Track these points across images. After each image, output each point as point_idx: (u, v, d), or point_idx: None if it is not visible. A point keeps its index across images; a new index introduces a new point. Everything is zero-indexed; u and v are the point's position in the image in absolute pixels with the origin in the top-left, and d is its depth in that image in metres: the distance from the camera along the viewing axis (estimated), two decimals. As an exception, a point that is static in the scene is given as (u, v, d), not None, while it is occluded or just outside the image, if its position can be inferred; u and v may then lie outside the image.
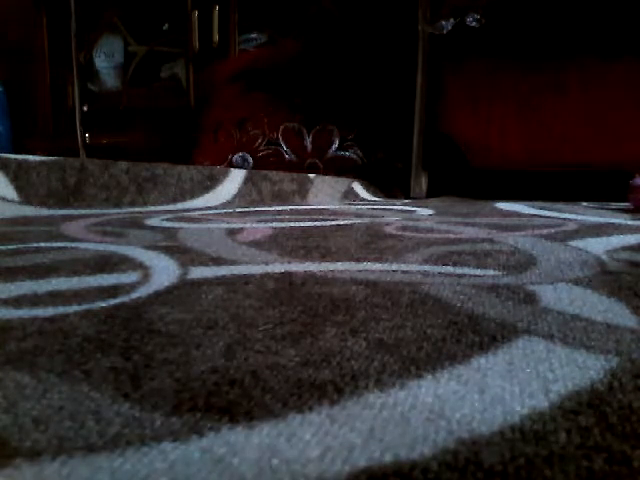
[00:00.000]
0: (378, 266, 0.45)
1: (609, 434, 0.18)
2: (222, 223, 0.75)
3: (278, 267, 0.44)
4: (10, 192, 0.93)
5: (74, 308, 0.32)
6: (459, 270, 0.44)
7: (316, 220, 0.79)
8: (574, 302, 0.34)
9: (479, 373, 0.23)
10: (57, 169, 0.99)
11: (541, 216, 0.90)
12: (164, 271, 0.42)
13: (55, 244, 0.56)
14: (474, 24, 1.32)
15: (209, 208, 1.01)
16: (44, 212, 0.90)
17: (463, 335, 0.28)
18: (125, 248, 0.52)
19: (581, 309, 0.33)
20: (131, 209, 0.97)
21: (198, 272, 0.42)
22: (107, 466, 0.16)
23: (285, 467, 0.16)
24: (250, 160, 1.58)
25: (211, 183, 1.14)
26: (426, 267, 0.45)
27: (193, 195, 1.10)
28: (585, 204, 1.17)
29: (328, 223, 0.76)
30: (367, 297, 0.35)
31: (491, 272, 0.44)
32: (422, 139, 1.47)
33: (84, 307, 0.32)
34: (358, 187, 1.45)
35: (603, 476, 0.16)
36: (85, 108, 1.98)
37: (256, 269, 0.43)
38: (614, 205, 1.13)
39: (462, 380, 0.22)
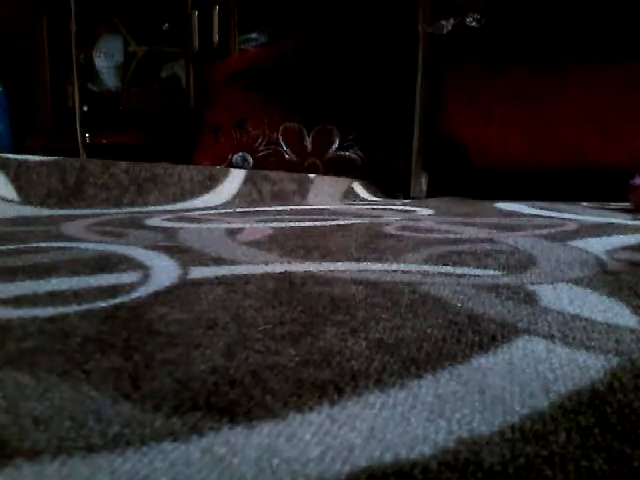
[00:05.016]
0: (378, 266, 0.45)
1: (609, 434, 0.18)
2: (222, 223, 0.75)
3: (278, 267, 0.44)
4: (10, 192, 0.93)
5: (74, 308, 0.32)
6: (459, 270, 0.44)
7: (316, 220, 0.79)
8: (574, 302, 0.34)
9: (479, 373, 0.23)
10: (57, 169, 0.99)
11: (541, 216, 0.89)
12: (164, 271, 0.42)
13: (55, 244, 0.56)
14: (474, 24, 1.32)
15: (209, 208, 1.01)
16: (44, 212, 0.90)
17: (463, 335, 0.28)
18: (125, 248, 0.52)
19: (581, 309, 0.33)
20: (131, 209, 0.97)
21: (198, 272, 0.42)
22: (107, 466, 0.16)
23: (285, 467, 0.16)
24: (250, 160, 1.58)
25: (211, 183, 1.14)
26: (426, 267, 0.45)
27: (193, 195, 1.10)
28: (585, 204, 1.17)
29: (328, 223, 0.76)
30: (367, 297, 0.35)
31: (491, 272, 0.44)
32: (422, 139, 1.47)
33: (84, 307, 0.32)
34: (358, 187, 1.45)
35: (603, 476, 0.16)
36: (85, 108, 1.98)
37: (256, 269, 0.43)
38: (614, 205, 1.13)
39: (462, 380, 0.22)
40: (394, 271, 0.43)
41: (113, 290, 0.36)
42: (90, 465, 0.16)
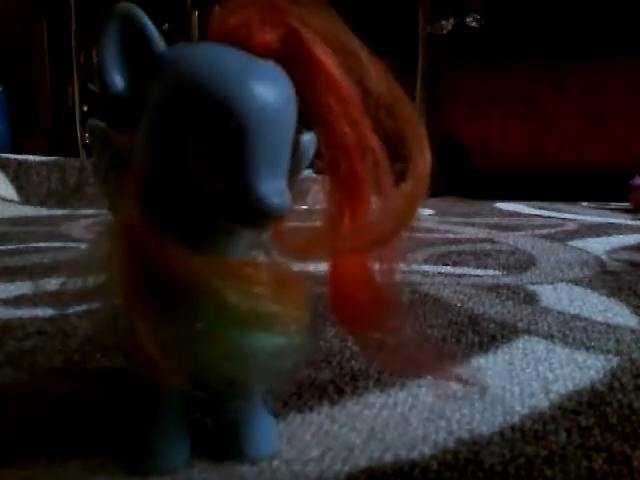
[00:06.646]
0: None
1: (609, 434, 0.18)
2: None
3: (278, 267, 0.44)
4: (10, 192, 0.93)
5: (74, 308, 0.32)
6: (459, 270, 0.44)
7: (316, 220, 0.79)
8: (574, 302, 0.34)
9: (479, 373, 0.23)
10: (57, 169, 0.99)
11: (541, 216, 0.90)
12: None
13: (55, 244, 0.56)
14: (474, 24, 1.32)
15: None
16: (44, 212, 0.90)
17: (463, 335, 0.28)
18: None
19: (581, 309, 0.33)
20: (131, 209, 0.97)
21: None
22: (104, 466, 0.16)
23: (285, 467, 0.16)
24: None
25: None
26: (426, 267, 0.45)
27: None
28: (585, 204, 1.17)
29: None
30: (367, 297, 0.35)
31: (491, 272, 0.44)
32: (422, 139, 1.47)
33: (84, 307, 0.32)
34: (358, 187, 1.44)
35: (603, 476, 0.16)
36: (85, 108, 1.98)
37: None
38: (614, 205, 1.13)
39: (462, 380, 0.22)
40: (394, 271, 0.43)
41: (113, 290, 0.36)
42: (88, 465, 0.16)
